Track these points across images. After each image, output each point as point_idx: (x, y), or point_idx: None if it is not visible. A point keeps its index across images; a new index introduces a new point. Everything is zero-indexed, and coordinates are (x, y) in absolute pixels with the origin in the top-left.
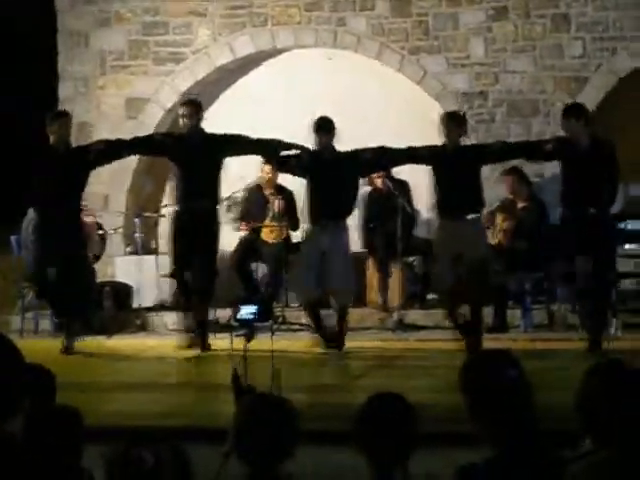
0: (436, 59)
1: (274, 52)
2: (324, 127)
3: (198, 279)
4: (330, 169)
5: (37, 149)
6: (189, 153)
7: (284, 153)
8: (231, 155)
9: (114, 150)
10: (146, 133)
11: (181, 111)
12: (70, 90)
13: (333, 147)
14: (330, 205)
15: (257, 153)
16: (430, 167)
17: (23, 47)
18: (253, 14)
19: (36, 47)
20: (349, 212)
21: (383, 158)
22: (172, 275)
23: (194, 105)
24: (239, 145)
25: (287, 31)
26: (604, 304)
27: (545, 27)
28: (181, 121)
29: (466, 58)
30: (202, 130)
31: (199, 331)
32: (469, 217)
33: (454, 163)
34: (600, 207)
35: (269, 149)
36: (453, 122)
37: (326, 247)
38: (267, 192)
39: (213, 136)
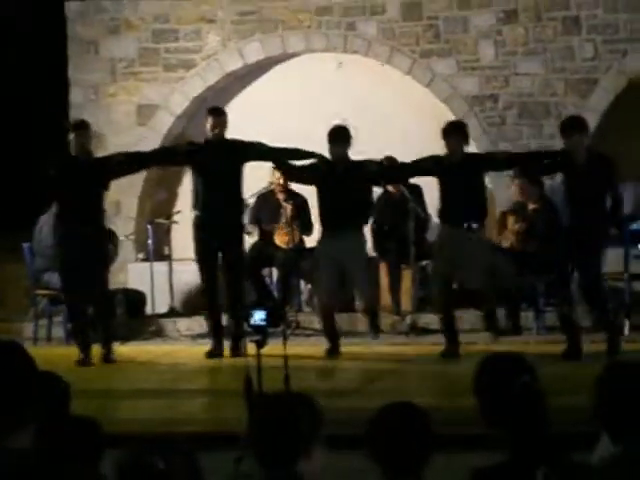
0: (446, 62)
1: (284, 57)
2: (337, 137)
3: (231, 276)
4: (340, 179)
5: (48, 158)
6: (212, 160)
7: (300, 162)
8: (250, 161)
9: (135, 161)
10: (158, 141)
11: (209, 120)
12: (81, 98)
13: (347, 157)
14: (341, 214)
15: (272, 160)
16: (437, 177)
17: (33, 55)
18: (263, 19)
19: (46, 55)
20: (363, 220)
21: (388, 172)
22: (201, 274)
23: (221, 114)
24: (259, 152)
25: (297, 36)
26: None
27: (556, 30)
28: (209, 130)
29: (476, 61)
30: (224, 137)
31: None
32: (470, 226)
33: (458, 173)
34: (598, 220)
35: (282, 157)
36: (455, 132)
37: (342, 255)
38: (279, 197)
39: (234, 142)
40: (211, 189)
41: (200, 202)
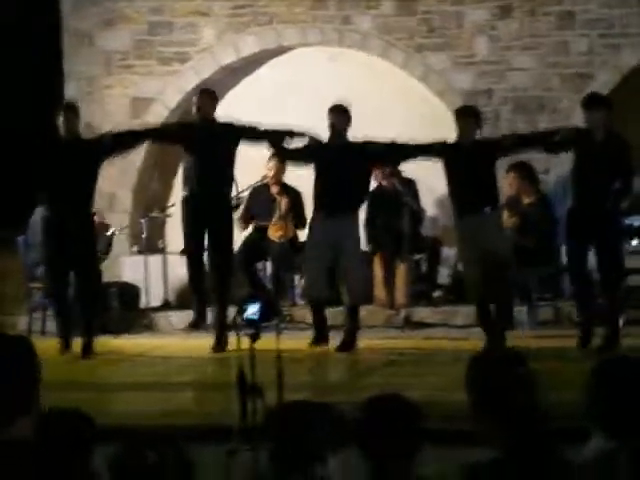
0: (441, 57)
1: (279, 51)
2: (337, 108)
3: (217, 259)
4: (337, 158)
5: (43, 150)
6: (203, 142)
7: (293, 144)
8: (243, 142)
9: (125, 139)
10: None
11: (196, 101)
12: (76, 90)
13: (345, 135)
14: (336, 195)
15: (266, 141)
16: (443, 162)
17: (28, 48)
18: (258, 13)
19: (41, 48)
20: (357, 204)
21: (395, 151)
22: (185, 253)
23: (209, 95)
24: (251, 134)
25: (292, 30)
26: (611, 299)
27: (550, 24)
28: (195, 110)
29: (471, 56)
30: (215, 119)
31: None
32: (486, 211)
33: (469, 158)
34: (610, 200)
35: (277, 137)
36: (469, 116)
37: (337, 240)
38: (273, 191)
39: (226, 125)
40: (201, 169)
41: (190, 182)
